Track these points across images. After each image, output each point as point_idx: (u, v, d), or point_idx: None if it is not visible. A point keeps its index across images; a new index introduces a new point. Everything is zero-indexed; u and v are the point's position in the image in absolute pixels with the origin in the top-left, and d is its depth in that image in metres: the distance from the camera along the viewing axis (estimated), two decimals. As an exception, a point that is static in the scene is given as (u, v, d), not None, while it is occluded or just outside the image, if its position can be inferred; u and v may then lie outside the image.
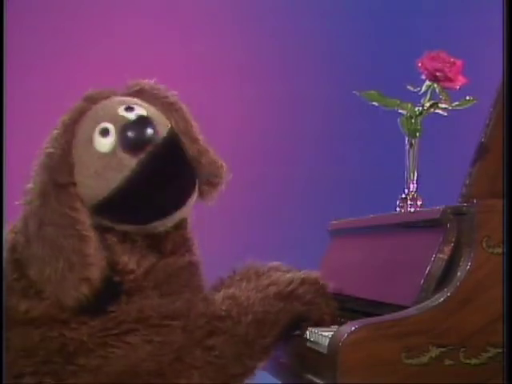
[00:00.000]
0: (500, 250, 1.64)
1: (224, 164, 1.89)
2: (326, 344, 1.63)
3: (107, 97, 1.84)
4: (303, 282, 1.87)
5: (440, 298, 1.62)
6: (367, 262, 2.04)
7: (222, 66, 3.72)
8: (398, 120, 2.17)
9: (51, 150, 1.76)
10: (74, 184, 1.74)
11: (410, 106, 2.16)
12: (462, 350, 1.60)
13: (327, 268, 2.29)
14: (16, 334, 1.70)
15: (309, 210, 3.62)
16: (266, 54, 3.77)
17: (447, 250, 1.68)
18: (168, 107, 1.85)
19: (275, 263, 2.03)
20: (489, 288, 1.63)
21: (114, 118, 1.76)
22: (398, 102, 2.17)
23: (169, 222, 1.80)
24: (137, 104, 1.81)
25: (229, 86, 3.65)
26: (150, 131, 1.76)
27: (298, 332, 1.86)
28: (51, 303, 1.70)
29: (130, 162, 1.73)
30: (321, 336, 1.73)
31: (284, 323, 1.82)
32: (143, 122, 1.76)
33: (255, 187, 3.53)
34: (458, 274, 1.63)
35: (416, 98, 2.17)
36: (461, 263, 1.64)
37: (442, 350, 1.59)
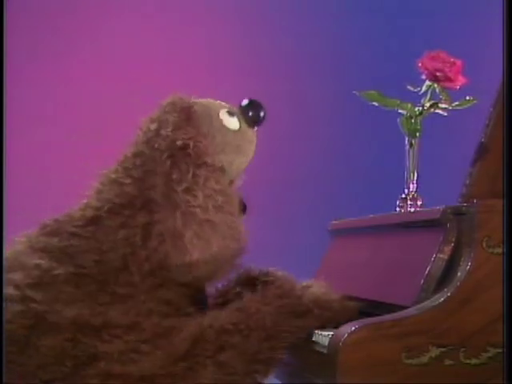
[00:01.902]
0: (500, 250, 1.64)
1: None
2: (326, 344, 1.63)
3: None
4: (316, 297, 1.86)
5: (440, 298, 1.62)
6: (367, 262, 2.03)
7: (223, 65, 3.72)
8: (398, 120, 2.17)
9: (180, 141, 1.82)
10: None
11: (410, 106, 2.16)
12: (462, 350, 1.60)
13: (327, 268, 2.30)
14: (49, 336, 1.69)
15: (309, 210, 3.62)
16: (268, 54, 3.77)
17: (447, 250, 1.68)
18: None
19: (272, 269, 2.02)
20: (489, 288, 1.63)
21: (226, 106, 1.97)
22: (398, 102, 2.17)
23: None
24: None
25: (230, 86, 3.65)
26: (262, 112, 1.99)
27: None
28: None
29: (254, 135, 1.99)
30: (321, 336, 1.73)
31: (297, 338, 1.82)
32: (255, 103, 2.01)
33: (255, 187, 3.53)
34: (458, 274, 1.63)
35: (416, 98, 2.17)
36: (461, 263, 1.64)
37: (442, 350, 1.59)
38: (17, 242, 1.79)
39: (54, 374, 1.67)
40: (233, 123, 1.94)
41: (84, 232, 1.78)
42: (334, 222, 2.40)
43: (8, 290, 1.70)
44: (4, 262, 1.76)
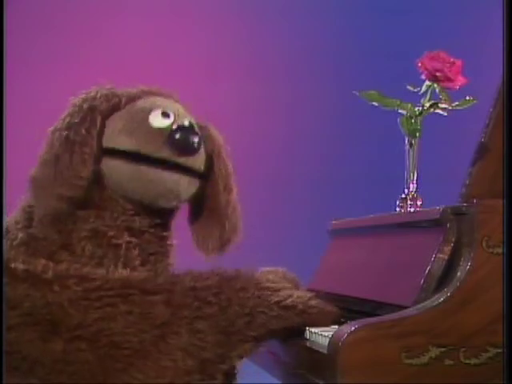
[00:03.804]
0: (500, 250, 1.64)
1: (240, 231, 1.94)
2: (326, 344, 1.63)
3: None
4: (299, 295, 1.87)
5: (440, 298, 1.62)
6: (367, 262, 2.03)
7: (226, 66, 3.73)
8: (398, 120, 2.17)
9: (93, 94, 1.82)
10: (106, 118, 1.81)
11: (410, 106, 2.16)
12: (462, 350, 1.60)
13: (327, 268, 2.30)
14: (7, 283, 1.72)
15: (309, 210, 3.63)
16: (268, 54, 3.78)
17: (447, 250, 1.68)
18: (217, 149, 1.91)
19: (270, 268, 2.02)
20: (489, 288, 1.63)
21: (178, 113, 1.83)
22: (398, 102, 2.17)
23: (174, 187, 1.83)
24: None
25: (231, 87, 3.65)
26: (195, 144, 1.81)
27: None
28: (44, 261, 1.73)
29: (165, 154, 1.78)
30: (321, 336, 1.73)
31: (273, 329, 1.81)
32: (196, 133, 1.83)
33: (255, 187, 3.53)
34: (458, 274, 1.63)
35: (416, 98, 2.17)
36: (461, 263, 1.64)
37: (442, 350, 1.59)
38: None
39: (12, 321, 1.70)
40: (157, 121, 1.81)
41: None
42: (333, 221, 2.40)
43: None
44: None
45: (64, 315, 1.69)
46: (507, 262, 1.62)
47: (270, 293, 1.83)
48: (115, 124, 1.81)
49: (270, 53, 3.77)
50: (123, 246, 1.79)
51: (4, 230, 1.83)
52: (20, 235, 1.79)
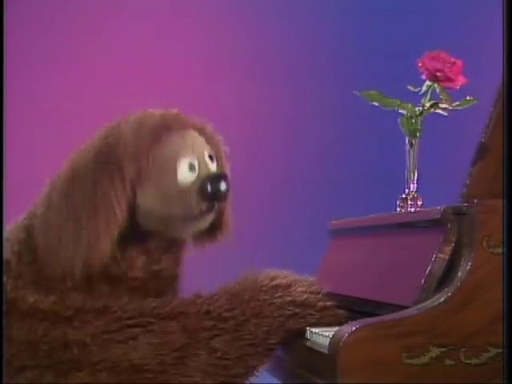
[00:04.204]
0: (500, 250, 1.64)
1: (231, 223, 1.94)
2: (326, 344, 1.63)
3: (182, 127, 1.87)
4: (311, 290, 1.88)
5: (440, 298, 1.62)
6: (367, 262, 2.03)
7: (226, 66, 3.72)
8: (398, 120, 2.17)
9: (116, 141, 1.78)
10: (137, 179, 1.77)
11: (410, 106, 2.16)
12: (463, 350, 1.60)
13: (327, 268, 2.29)
14: (20, 325, 1.71)
15: (309, 210, 3.62)
16: (268, 54, 3.77)
17: (448, 250, 1.68)
18: (215, 150, 1.91)
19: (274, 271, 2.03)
20: (489, 288, 1.62)
21: (201, 159, 1.83)
22: (398, 102, 2.17)
23: (198, 226, 1.85)
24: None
25: (231, 87, 3.65)
26: (226, 191, 1.81)
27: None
28: (58, 299, 1.72)
29: (198, 210, 1.80)
30: (321, 336, 1.73)
31: (292, 328, 1.83)
32: (224, 179, 1.82)
33: (255, 187, 3.53)
34: (459, 274, 1.63)
35: (416, 98, 2.17)
36: (461, 263, 1.64)
37: (443, 350, 1.59)
38: None
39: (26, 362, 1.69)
40: (186, 177, 1.81)
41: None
42: (334, 221, 2.40)
43: None
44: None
45: (87, 353, 1.68)
46: (507, 261, 1.62)
47: (280, 293, 1.84)
48: (143, 190, 1.78)
49: (269, 53, 3.77)
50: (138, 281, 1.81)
51: (3, 260, 1.78)
52: (26, 272, 1.76)
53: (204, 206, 1.80)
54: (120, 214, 1.74)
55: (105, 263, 1.75)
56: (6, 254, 1.79)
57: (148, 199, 1.79)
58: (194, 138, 1.86)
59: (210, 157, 1.87)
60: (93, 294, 1.75)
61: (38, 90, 3.56)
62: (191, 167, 1.81)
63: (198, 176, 1.81)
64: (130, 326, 1.71)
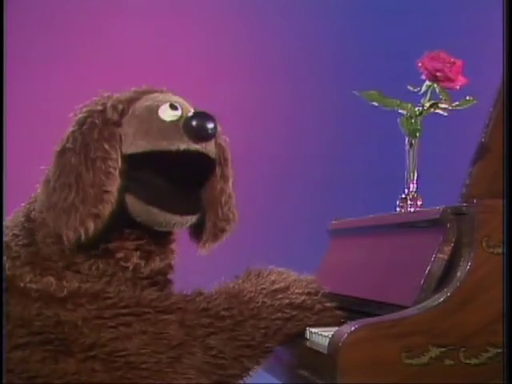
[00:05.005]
0: (500, 250, 1.64)
1: (236, 218, 1.91)
2: (326, 344, 1.63)
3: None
4: (309, 291, 1.88)
5: (440, 297, 1.62)
6: (367, 262, 2.03)
7: (226, 66, 3.72)
8: (398, 120, 2.17)
9: (100, 107, 1.80)
10: (119, 126, 1.78)
11: (410, 106, 2.16)
12: (462, 350, 1.60)
13: (327, 268, 2.29)
14: (16, 302, 1.71)
15: (309, 210, 3.62)
16: (268, 54, 3.77)
17: (447, 250, 1.68)
18: (225, 156, 1.90)
19: (274, 268, 2.02)
20: (489, 288, 1.62)
21: (183, 103, 1.82)
22: (398, 102, 2.17)
23: (188, 221, 1.83)
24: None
25: (231, 87, 3.65)
26: (212, 129, 1.78)
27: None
28: (54, 279, 1.72)
29: (184, 145, 1.75)
30: (321, 336, 1.73)
31: (289, 333, 1.83)
32: (212, 118, 1.79)
33: (255, 187, 3.53)
34: (458, 274, 1.63)
35: (416, 98, 2.17)
36: (461, 263, 1.64)
37: (442, 350, 1.59)
38: None
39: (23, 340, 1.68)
40: (168, 114, 1.79)
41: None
42: (333, 221, 2.40)
43: None
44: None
45: (77, 334, 1.67)
46: (507, 262, 1.62)
47: (280, 295, 1.83)
48: (126, 130, 1.79)
49: (269, 53, 3.77)
50: (131, 267, 1.79)
51: (3, 243, 1.79)
52: (23, 253, 1.77)
53: (191, 144, 1.76)
54: (116, 161, 1.74)
55: (114, 212, 1.74)
56: (6, 237, 1.80)
57: (132, 142, 1.77)
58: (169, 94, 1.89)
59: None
60: (87, 275, 1.76)
61: (38, 90, 3.57)
62: (173, 107, 1.80)
63: (181, 115, 1.79)
64: (124, 315, 1.70)
